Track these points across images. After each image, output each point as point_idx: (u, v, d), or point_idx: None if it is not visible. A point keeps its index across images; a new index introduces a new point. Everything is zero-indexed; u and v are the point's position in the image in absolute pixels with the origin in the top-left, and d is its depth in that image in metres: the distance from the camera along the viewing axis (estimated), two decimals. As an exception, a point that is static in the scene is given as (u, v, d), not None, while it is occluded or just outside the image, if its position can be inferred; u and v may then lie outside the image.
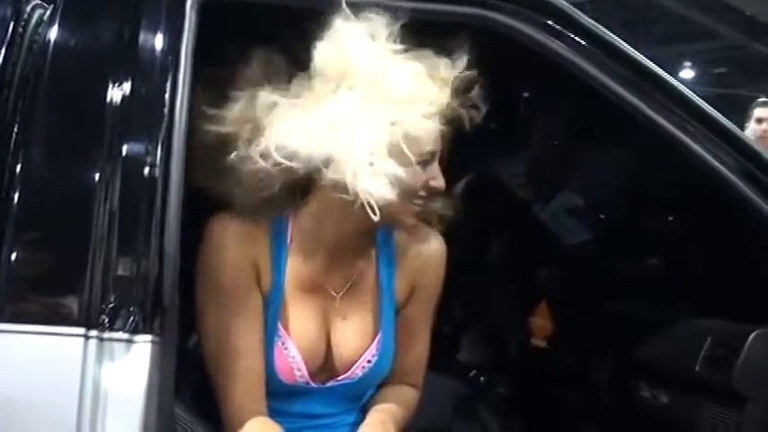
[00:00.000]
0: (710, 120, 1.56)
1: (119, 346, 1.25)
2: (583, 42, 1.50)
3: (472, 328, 2.45)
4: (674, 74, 13.72)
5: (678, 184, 1.84)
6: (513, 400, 2.42)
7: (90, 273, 1.26)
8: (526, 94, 2.02)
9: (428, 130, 1.43)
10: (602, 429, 2.15)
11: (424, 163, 1.46)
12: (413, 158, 1.43)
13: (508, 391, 2.45)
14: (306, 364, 1.53)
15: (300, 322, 1.54)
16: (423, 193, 1.48)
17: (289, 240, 1.55)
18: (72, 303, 1.26)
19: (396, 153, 1.40)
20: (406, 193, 1.44)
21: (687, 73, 14.50)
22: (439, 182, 1.47)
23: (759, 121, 4.41)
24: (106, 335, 1.25)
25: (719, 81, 14.36)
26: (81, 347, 1.24)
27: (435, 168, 1.48)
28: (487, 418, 2.18)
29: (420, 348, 1.68)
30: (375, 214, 1.38)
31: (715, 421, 1.67)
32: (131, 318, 1.26)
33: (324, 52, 1.44)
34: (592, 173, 2.34)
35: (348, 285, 1.58)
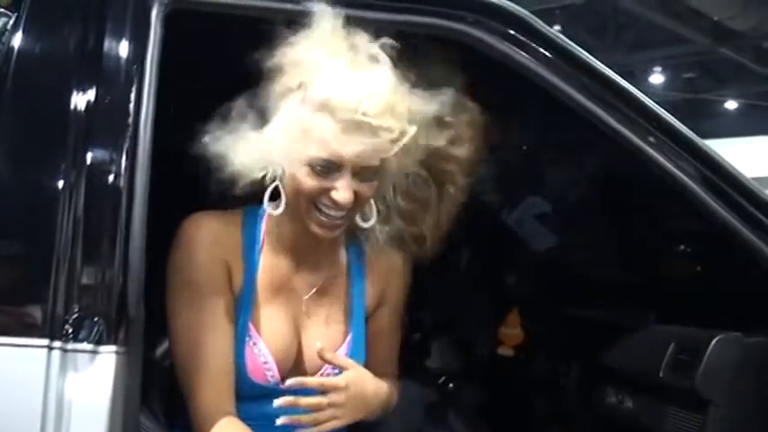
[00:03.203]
0: (671, 128, 1.58)
1: (83, 358, 1.24)
2: (545, 52, 1.52)
3: (441, 334, 2.46)
4: (644, 79, 13.91)
5: (641, 191, 1.86)
6: (481, 406, 2.43)
7: (53, 283, 1.26)
8: (492, 103, 2.03)
9: (315, 131, 1.39)
10: (568, 435, 2.17)
11: (322, 170, 1.41)
12: (292, 160, 1.42)
13: (477, 397, 2.46)
14: (277, 364, 1.53)
15: (272, 323, 1.55)
16: (326, 201, 1.43)
17: (261, 241, 1.55)
18: (35, 314, 1.25)
19: (272, 150, 1.43)
20: (298, 193, 1.44)
21: (657, 78, 14.65)
22: (340, 195, 1.40)
23: None
24: (70, 346, 1.24)
25: (689, 86, 14.53)
26: (44, 359, 1.23)
27: (342, 180, 1.41)
28: (456, 425, 2.19)
29: (388, 355, 1.70)
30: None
31: (679, 425, 1.70)
32: (95, 328, 1.25)
33: (280, 60, 1.44)
34: (558, 180, 2.36)
35: (316, 288, 1.59)
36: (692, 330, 1.71)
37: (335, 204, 1.42)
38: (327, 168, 1.41)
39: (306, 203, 1.45)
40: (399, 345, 1.72)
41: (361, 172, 1.43)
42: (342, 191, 1.41)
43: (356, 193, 1.43)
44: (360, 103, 1.38)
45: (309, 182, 1.42)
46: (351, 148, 1.39)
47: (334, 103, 1.38)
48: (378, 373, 1.64)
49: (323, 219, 1.45)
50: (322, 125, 1.39)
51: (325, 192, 1.42)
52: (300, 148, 1.41)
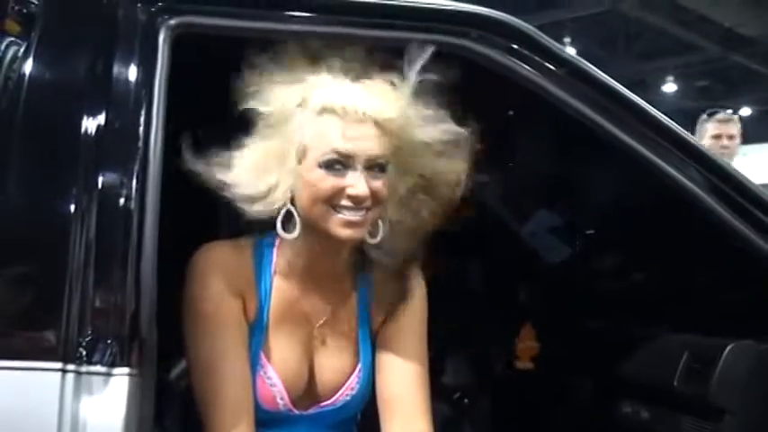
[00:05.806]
0: (679, 139, 1.58)
1: (97, 380, 1.25)
2: (549, 66, 1.52)
3: (455, 349, 2.46)
4: (657, 88, 13.87)
5: (653, 202, 1.86)
6: (496, 421, 2.43)
7: (67, 306, 1.26)
8: (500, 117, 2.04)
9: (322, 132, 1.44)
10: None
11: (335, 167, 1.44)
12: (296, 160, 1.45)
13: (492, 412, 2.46)
14: (288, 392, 1.54)
15: (283, 351, 1.55)
16: (344, 202, 1.44)
17: (273, 269, 1.55)
18: (49, 337, 1.26)
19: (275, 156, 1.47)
20: (315, 198, 1.45)
21: (669, 87, 14.62)
22: (356, 188, 1.43)
23: (716, 137, 3.92)
24: (84, 369, 1.25)
25: (702, 94, 14.49)
26: (59, 382, 1.23)
27: (354, 176, 1.44)
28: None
29: (411, 375, 1.61)
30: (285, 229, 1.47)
31: (694, 435, 1.69)
32: (109, 351, 1.26)
33: (283, 82, 1.48)
34: (569, 193, 2.36)
35: (329, 313, 1.58)
36: (706, 339, 1.71)
37: (354, 200, 1.44)
38: (340, 165, 1.44)
39: (324, 208, 1.45)
40: (428, 389, 1.62)
41: (372, 166, 1.45)
42: (357, 185, 1.43)
43: (371, 190, 1.45)
44: (359, 101, 1.44)
45: (325, 183, 1.44)
46: (357, 139, 1.44)
47: (334, 103, 1.44)
48: (405, 399, 1.59)
49: (344, 218, 1.45)
50: (327, 125, 1.45)
51: (342, 191, 1.44)
52: (311, 152, 1.45)
